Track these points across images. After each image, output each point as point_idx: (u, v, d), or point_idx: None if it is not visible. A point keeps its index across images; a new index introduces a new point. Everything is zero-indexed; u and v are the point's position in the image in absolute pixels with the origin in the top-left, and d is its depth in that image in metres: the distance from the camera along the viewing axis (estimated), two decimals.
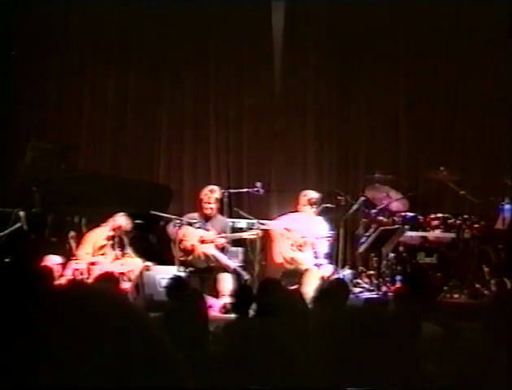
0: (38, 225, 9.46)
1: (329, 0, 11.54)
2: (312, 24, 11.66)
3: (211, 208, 9.50)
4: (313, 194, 9.70)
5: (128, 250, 9.17)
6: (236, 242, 9.66)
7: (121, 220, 9.12)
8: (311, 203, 9.60)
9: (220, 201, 9.78)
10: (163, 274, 8.68)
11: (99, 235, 9.09)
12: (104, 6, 11.53)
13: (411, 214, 10.07)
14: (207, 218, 9.49)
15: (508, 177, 9.90)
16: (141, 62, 11.84)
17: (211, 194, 9.53)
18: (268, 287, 5.68)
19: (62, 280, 8.29)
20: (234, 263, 9.33)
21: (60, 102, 11.89)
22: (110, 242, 9.07)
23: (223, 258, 9.25)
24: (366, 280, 10.05)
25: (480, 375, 3.00)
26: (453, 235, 9.81)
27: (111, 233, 9.09)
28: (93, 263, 8.84)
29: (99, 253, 9.02)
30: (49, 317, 1.20)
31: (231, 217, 10.05)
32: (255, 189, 10.27)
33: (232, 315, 6.45)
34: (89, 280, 8.23)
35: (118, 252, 9.09)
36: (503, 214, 9.79)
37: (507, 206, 9.78)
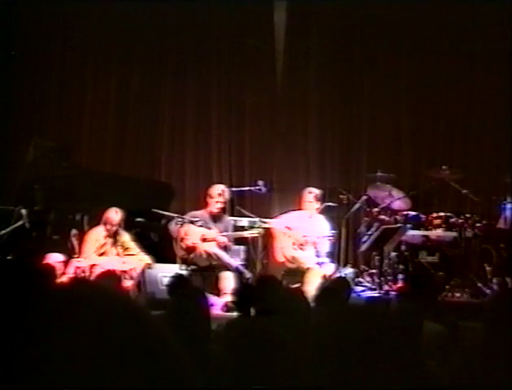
0: (40, 223, 9.45)
1: (331, 0, 11.53)
2: (314, 23, 11.66)
3: (220, 206, 9.51)
4: (318, 191, 9.70)
5: (131, 245, 9.07)
6: (238, 240, 9.67)
7: (109, 213, 9.04)
8: (317, 199, 9.61)
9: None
10: (165, 272, 8.68)
11: (98, 234, 9.04)
12: (105, 5, 11.53)
13: (413, 212, 10.07)
14: (213, 217, 9.49)
15: (510, 176, 9.89)
16: (143, 60, 11.84)
17: (222, 194, 9.53)
18: (265, 285, 5.67)
19: (65, 278, 8.29)
20: (236, 262, 9.33)
21: (62, 100, 11.89)
22: (110, 240, 9.03)
23: (225, 257, 9.25)
24: (368, 279, 10.05)
25: (482, 374, 3.00)
26: (454, 234, 9.81)
27: (106, 229, 9.01)
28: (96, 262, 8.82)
29: (100, 252, 8.98)
30: (52, 315, 1.20)
31: (233, 215, 10.05)
32: (257, 188, 10.27)
33: (234, 314, 6.46)
34: (91, 278, 8.23)
35: (120, 250, 9.06)
36: (505, 213, 9.80)
37: (509, 205, 9.78)
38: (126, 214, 9.15)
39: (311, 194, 9.64)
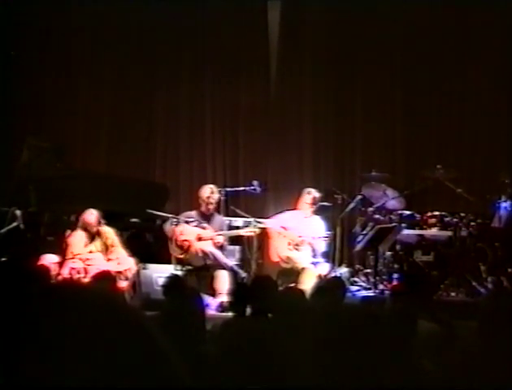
0: (35, 224, 9.43)
1: (325, 0, 11.53)
2: (308, 24, 11.66)
3: (211, 207, 9.51)
4: (316, 192, 9.69)
5: (115, 243, 8.98)
6: (233, 241, 9.67)
7: (85, 215, 8.90)
8: (315, 201, 9.60)
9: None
10: (160, 272, 8.68)
11: (80, 236, 8.94)
12: (101, 7, 11.52)
13: (408, 212, 10.08)
14: (206, 217, 9.49)
15: (504, 175, 9.92)
16: (138, 60, 11.82)
17: (212, 193, 9.53)
18: (260, 285, 5.67)
19: (59, 279, 8.27)
20: (231, 261, 9.33)
21: (56, 101, 11.86)
22: (94, 241, 8.93)
23: (221, 256, 9.24)
24: (363, 279, 10.06)
25: (476, 373, 3.01)
26: (449, 233, 9.82)
27: (87, 232, 8.92)
28: (89, 262, 8.77)
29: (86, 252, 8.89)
30: (46, 315, 1.20)
31: (227, 215, 10.05)
32: (252, 188, 10.27)
33: (229, 314, 6.46)
34: (86, 279, 8.21)
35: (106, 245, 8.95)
36: (499, 211, 9.81)
37: (503, 204, 9.79)
38: (103, 214, 9.03)
39: (310, 195, 9.63)
